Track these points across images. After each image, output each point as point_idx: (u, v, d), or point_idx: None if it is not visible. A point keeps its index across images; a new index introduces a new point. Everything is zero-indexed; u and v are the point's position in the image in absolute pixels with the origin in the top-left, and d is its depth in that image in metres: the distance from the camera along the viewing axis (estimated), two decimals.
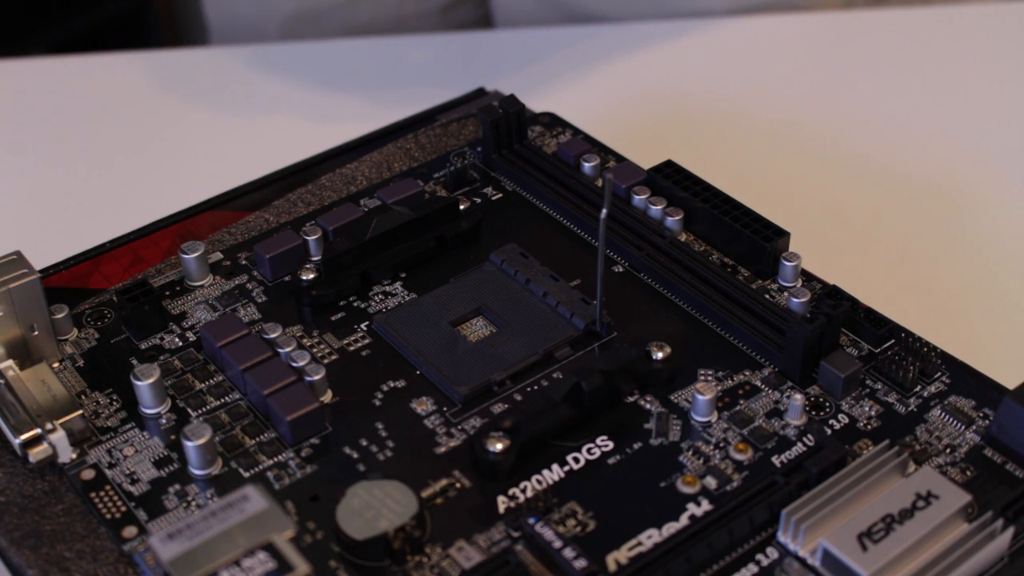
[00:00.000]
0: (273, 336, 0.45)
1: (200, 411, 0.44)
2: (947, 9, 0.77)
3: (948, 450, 0.42)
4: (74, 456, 0.42)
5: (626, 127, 0.67)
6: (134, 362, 0.46)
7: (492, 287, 0.48)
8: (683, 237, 0.51)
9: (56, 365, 0.45)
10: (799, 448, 0.42)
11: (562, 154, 0.55)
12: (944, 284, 0.57)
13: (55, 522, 0.40)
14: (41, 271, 0.47)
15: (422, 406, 0.44)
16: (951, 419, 0.43)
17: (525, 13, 0.81)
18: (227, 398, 0.44)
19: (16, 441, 0.41)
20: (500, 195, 0.54)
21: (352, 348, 0.46)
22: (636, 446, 0.42)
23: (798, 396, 0.43)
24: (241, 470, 0.41)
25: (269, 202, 0.53)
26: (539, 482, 0.41)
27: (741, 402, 0.44)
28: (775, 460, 0.41)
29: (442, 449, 0.42)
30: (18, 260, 0.44)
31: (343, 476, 0.41)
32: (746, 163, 0.65)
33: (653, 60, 0.73)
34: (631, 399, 0.44)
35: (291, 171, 0.55)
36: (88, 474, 0.41)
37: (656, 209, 0.51)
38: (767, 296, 0.48)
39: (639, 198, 0.51)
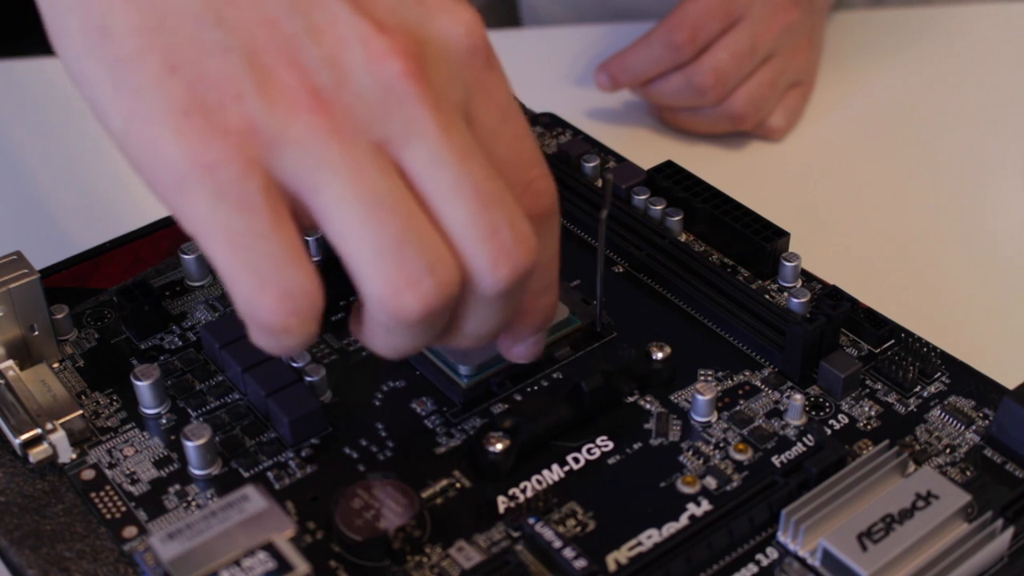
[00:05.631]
0: None
1: (200, 411, 0.44)
2: (941, 9, 0.77)
3: (948, 450, 0.42)
4: (74, 456, 0.42)
5: (626, 127, 0.67)
6: (134, 362, 0.46)
7: None
8: (683, 237, 0.51)
9: (56, 365, 0.45)
10: (799, 448, 0.42)
11: (562, 154, 0.55)
12: (944, 284, 0.57)
13: (55, 522, 0.40)
14: (41, 271, 0.46)
15: (422, 406, 0.44)
16: (951, 419, 0.43)
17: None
18: (227, 398, 0.44)
19: (16, 441, 0.41)
20: None
21: (352, 348, 0.46)
22: (636, 446, 0.42)
23: (798, 396, 0.43)
24: (241, 470, 0.41)
25: None
26: (539, 482, 0.41)
27: (741, 402, 0.44)
28: (775, 460, 0.41)
29: (442, 449, 0.42)
30: (18, 260, 0.44)
31: (343, 476, 0.41)
32: (746, 163, 0.65)
33: None
34: (631, 399, 0.44)
35: None
36: (88, 474, 0.41)
37: (656, 209, 0.51)
38: (767, 296, 0.48)
39: (639, 198, 0.51)
